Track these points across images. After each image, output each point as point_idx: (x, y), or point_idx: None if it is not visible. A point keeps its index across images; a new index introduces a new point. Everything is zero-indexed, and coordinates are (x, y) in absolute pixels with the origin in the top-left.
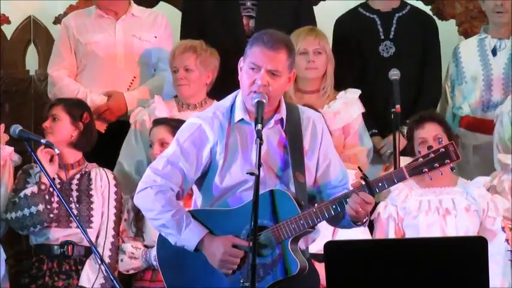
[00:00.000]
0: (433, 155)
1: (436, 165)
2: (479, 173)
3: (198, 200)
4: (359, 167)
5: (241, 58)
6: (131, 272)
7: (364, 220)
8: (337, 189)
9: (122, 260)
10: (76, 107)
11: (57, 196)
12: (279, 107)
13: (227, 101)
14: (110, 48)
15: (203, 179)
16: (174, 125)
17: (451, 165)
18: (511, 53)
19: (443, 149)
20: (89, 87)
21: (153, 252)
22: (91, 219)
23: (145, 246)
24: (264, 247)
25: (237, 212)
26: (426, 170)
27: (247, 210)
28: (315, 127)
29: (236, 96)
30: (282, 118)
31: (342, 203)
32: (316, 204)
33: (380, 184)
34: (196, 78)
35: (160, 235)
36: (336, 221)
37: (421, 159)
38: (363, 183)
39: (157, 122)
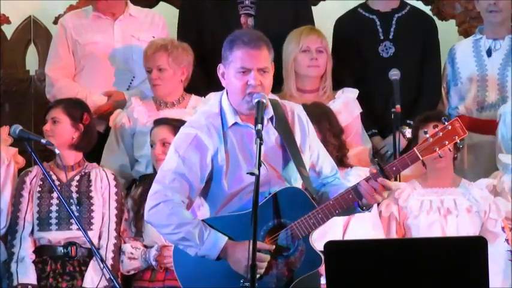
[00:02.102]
0: (441, 133)
1: (446, 142)
2: (474, 172)
3: (202, 207)
4: (373, 155)
5: (220, 65)
6: (132, 272)
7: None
8: (329, 178)
9: (122, 261)
10: (76, 108)
11: (58, 198)
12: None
13: (213, 107)
14: (108, 48)
15: (208, 187)
16: (175, 124)
17: (458, 140)
18: (506, 54)
19: (449, 126)
20: (88, 87)
21: (152, 252)
22: (91, 221)
23: (145, 246)
24: (285, 245)
25: (250, 215)
26: (437, 148)
27: (261, 211)
28: (301, 119)
29: (221, 101)
30: (272, 116)
31: (357, 191)
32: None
33: (394, 168)
34: (170, 77)
35: (175, 256)
36: (347, 210)
37: (430, 139)
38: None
39: (159, 122)
